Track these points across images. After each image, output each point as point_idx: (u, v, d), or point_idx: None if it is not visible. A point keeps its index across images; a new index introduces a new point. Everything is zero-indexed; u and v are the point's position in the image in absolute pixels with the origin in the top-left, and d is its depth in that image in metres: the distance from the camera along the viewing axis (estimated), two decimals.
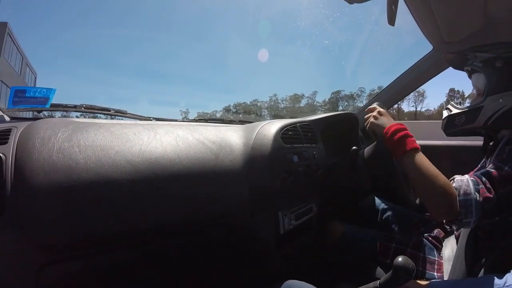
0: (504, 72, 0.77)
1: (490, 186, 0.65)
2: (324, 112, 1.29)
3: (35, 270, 0.51)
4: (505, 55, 0.77)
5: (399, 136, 0.74)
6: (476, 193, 0.64)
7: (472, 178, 0.68)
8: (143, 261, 0.64)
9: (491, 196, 0.64)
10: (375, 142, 0.92)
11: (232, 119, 1.14)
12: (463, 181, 0.67)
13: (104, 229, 0.55)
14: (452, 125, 0.85)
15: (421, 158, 0.71)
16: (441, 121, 0.90)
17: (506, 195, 0.64)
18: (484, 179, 0.67)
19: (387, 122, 0.80)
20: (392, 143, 0.75)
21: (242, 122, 1.10)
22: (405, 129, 0.76)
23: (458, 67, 0.92)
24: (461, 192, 0.65)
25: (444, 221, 0.73)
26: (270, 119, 0.95)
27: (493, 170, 0.67)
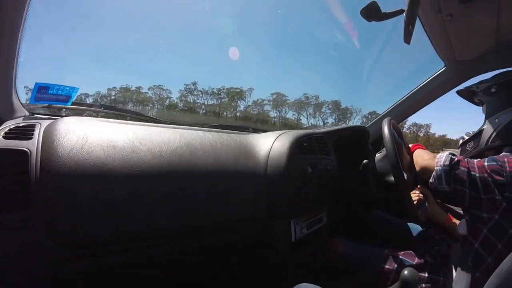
0: (498, 95, 0.88)
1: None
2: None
3: (55, 266, 0.51)
4: (499, 81, 0.88)
5: (413, 147, 1.03)
6: (452, 155, 0.81)
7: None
8: (159, 261, 0.65)
9: (465, 162, 0.76)
10: (383, 151, 0.96)
11: (245, 126, 1.15)
12: None
13: (126, 229, 0.55)
14: (465, 151, 0.98)
15: (421, 151, 0.98)
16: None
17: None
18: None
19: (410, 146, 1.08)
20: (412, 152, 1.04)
21: (255, 130, 1.11)
22: (418, 143, 1.05)
23: (470, 100, 1.04)
24: (440, 153, 0.84)
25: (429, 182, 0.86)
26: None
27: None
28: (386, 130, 0.94)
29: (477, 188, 0.72)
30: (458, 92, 1.07)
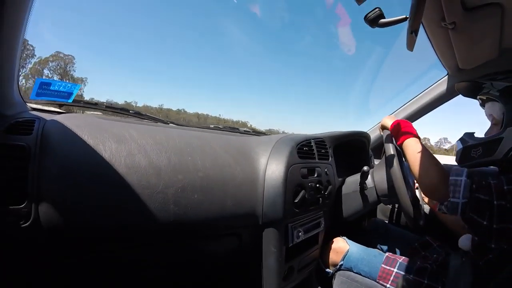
0: None
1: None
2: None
3: (52, 260, 0.52)
4: None
5: (398, 129, 0.87)
6: (467, 177, 0.67)
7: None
8: (152, 261, 0.65)
9: (486, 188, 0.64)
10: (384, 159, 0.94)
11: (246, 129, 1.15)
12: (457, 167, 0.71)
13: (123, 226, 0.55)
14: (468, 158, 0.78)
15: (416, 145, 0.80)
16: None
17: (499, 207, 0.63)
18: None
19: (391, 119, 0.94)
20: (395, 134, 0.89)
21: (258, 133, 1.11)
22: (405, 122, 0.89)
23: (471, 95, 0.89)
24: (453, 172, 0.69)
25: (438, 207, 0.77)
26: None
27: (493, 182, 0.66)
28: (387, 138, 0.93)
29: (492, 219, 0.63)
30: (458, 85, 0.92)
